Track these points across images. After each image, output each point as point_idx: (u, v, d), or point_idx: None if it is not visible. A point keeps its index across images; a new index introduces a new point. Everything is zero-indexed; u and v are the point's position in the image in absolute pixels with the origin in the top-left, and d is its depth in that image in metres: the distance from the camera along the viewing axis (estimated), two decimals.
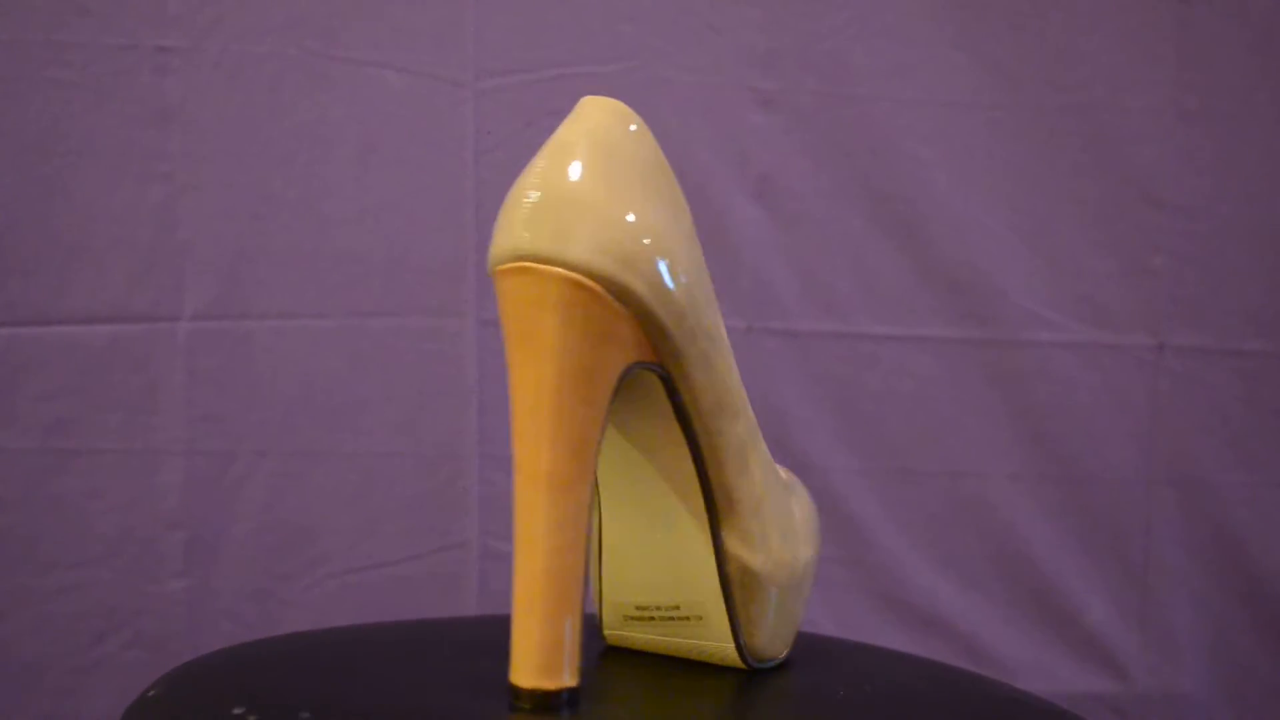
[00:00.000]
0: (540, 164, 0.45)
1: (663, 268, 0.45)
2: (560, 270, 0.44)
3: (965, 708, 0.52)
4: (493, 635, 0.55)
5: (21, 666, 0.97)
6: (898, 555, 1.07)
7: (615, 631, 0.54)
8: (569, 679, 0.44)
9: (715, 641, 0.52)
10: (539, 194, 0.44)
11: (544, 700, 0.44)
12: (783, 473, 0.54)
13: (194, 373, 0.99)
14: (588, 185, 0.45)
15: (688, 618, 0.52)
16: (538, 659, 0.44)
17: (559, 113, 0.44)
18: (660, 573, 0.51)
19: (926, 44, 1.05)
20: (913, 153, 1.05)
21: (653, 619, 0.53)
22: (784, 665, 0.54)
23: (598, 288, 0.44)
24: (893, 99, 1.05)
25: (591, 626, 0.56)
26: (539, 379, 0.44)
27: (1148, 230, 1.07)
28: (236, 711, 0.44)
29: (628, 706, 0.49)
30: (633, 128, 0.47)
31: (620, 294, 0.44)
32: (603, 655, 0.54)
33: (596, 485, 0.51)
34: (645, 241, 0.45)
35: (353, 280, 1.01)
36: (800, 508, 0.54)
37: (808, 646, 0.56)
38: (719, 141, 1.03)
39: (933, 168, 1.05)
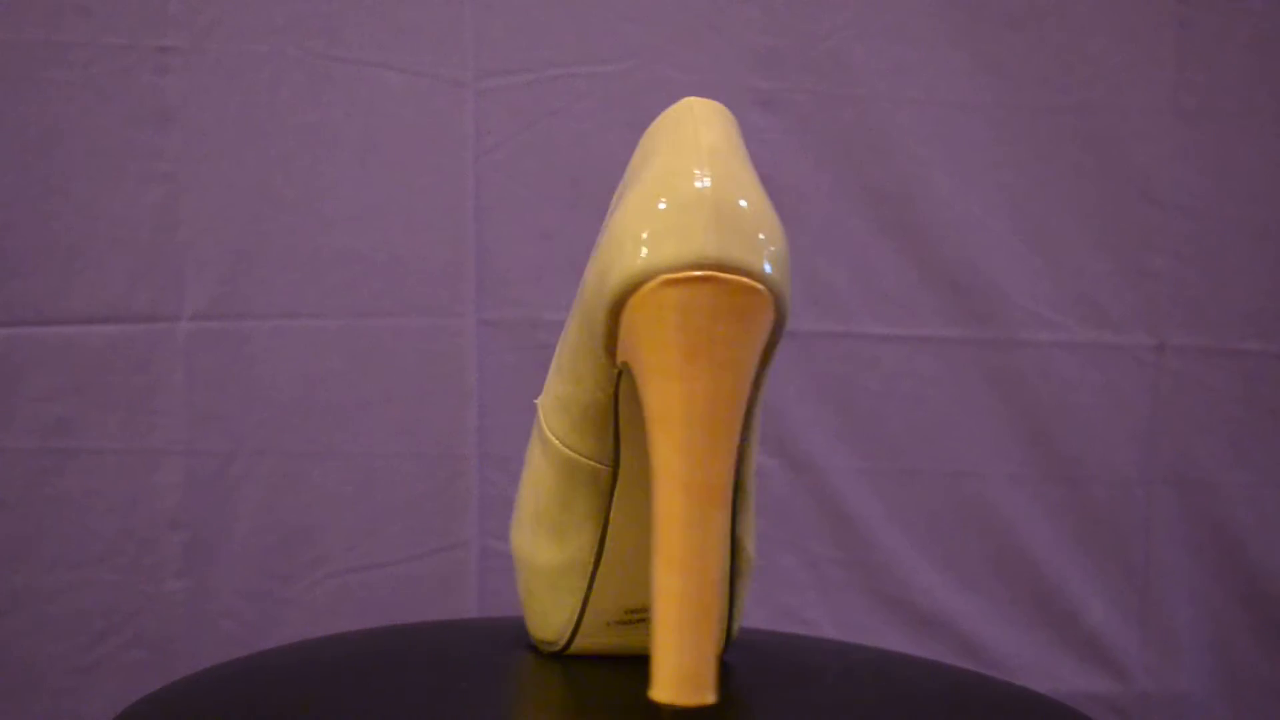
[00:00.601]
0: (695, 170, 0.44)
1: (790, 273, 0.45)
2: (745, 279, 0.42)
3: (973, 708, 0.52)
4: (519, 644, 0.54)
5: (21, 666, 0.97)
6: (898, 555, 1.07)
7: (588, 639, 0.53)
8: (718, 691, 0.43)
9: None
10: (716, 200, 0.43)
11: (706, 716, 0.43)
12: None
13: (194, 373, 0.99)
14: (750, 193, 0.44)
15: None
16: (707, 674, 0.42)
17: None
18: None
19: (926, 44, 1.05)
20: (913, 153, 1.05)
21: (642, 620, 0.52)
22: (785, 665, 0.54)
23: (770, 296, 0.43)
24: (893, 99, 1.04)
25: (513, 635, 0.56)
26: (720, 391, 0.42)
27: (1148, 230, 1.07)
28: None
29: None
30: (740, 132, 0.46)
31: (780, 301, 0.44)
32: (573, 665, 0.53)
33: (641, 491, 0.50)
34: (785, 248, 0.44)
35: (353, 280, 1.00)
36: None
37: (808, 647, 0.56)
38: None
39: (933, 168, 1.05)
